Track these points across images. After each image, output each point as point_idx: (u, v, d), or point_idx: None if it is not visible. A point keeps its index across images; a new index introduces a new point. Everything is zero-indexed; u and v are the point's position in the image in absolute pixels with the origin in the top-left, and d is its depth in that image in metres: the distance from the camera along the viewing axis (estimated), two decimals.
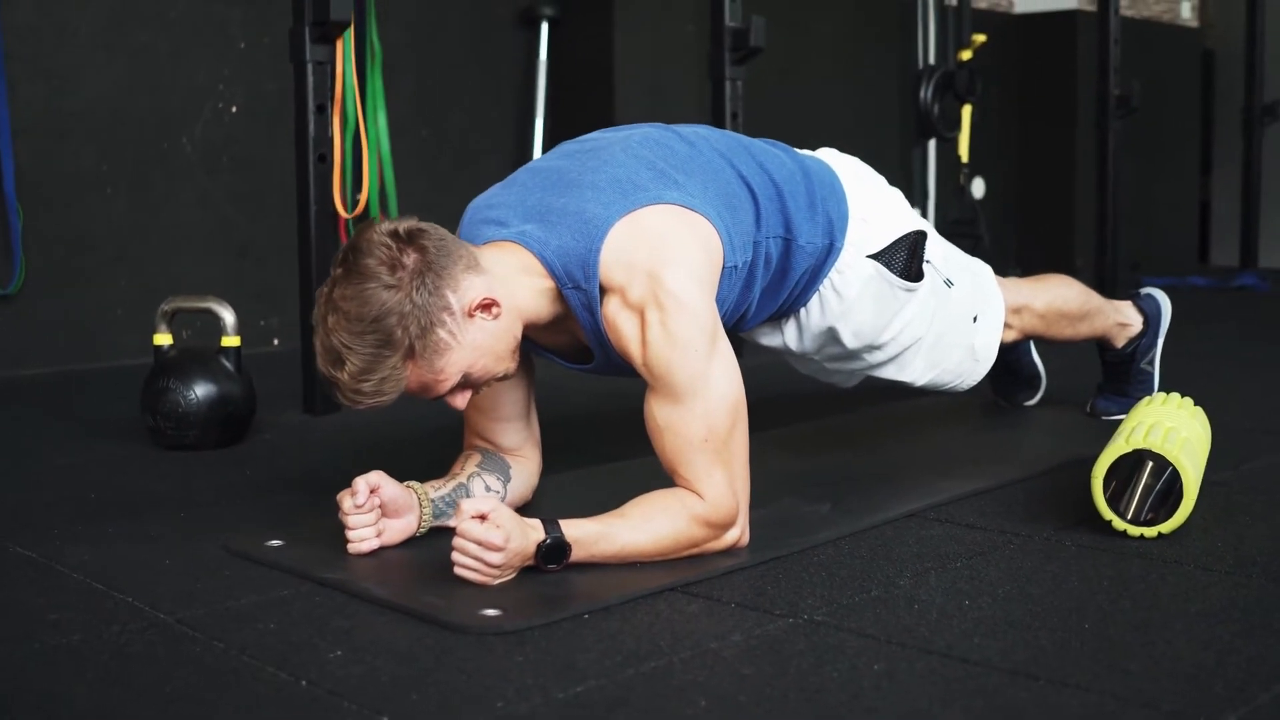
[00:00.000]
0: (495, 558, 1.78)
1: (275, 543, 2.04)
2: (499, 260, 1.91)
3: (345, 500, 1.96)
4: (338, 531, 2.04)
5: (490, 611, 1.70)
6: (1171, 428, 2.12)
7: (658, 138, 2.10)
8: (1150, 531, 2.02)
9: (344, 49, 4.32)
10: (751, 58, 3.95)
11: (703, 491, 1.91)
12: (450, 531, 2.04)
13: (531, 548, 1.81)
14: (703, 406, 1.90)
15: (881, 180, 2.40)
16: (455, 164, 4.86)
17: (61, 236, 3.93)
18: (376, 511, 1.97)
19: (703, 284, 1.94)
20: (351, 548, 1.96)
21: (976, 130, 5.27)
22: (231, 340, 2.80)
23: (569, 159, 2.07)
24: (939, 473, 2.49)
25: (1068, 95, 6.96)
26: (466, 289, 1.83)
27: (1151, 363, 2.92)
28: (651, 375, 1.90)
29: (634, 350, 1.91)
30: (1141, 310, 2.90)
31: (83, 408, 3.41)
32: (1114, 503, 2.04)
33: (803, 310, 2.31)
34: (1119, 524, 2.03)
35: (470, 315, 1.84)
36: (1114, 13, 5.20)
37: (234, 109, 4.22)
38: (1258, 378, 3.59)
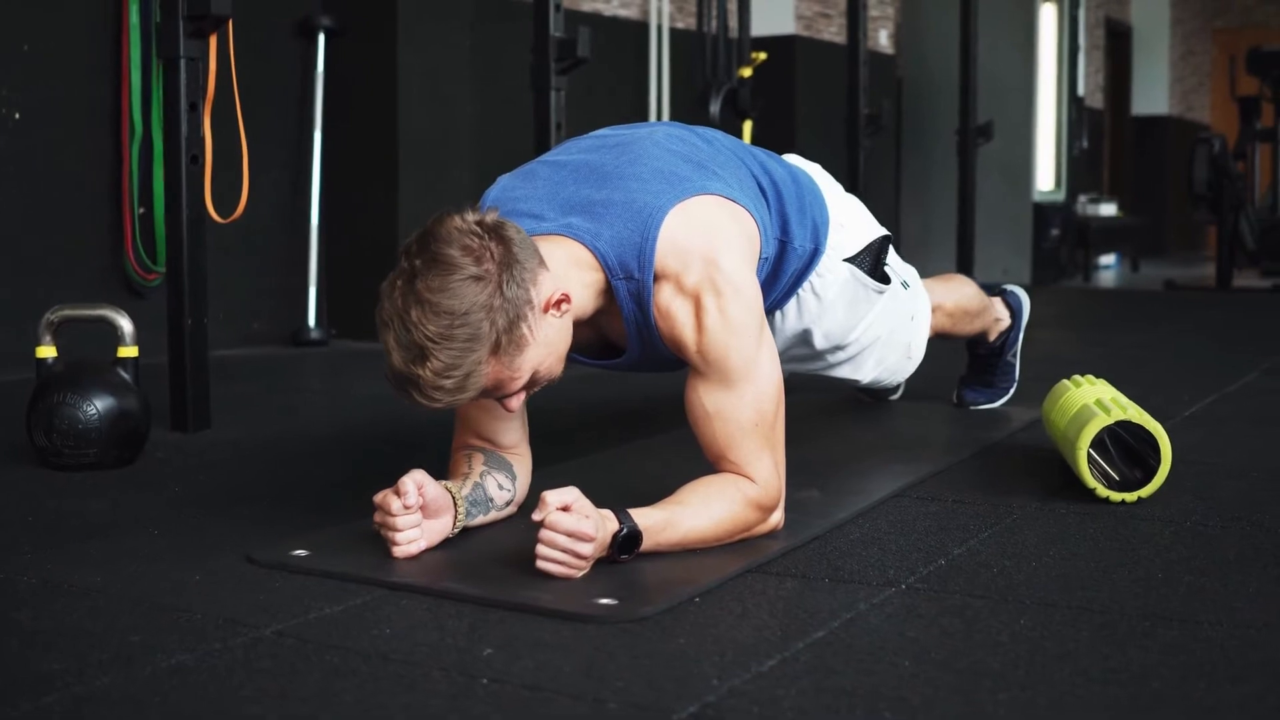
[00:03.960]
0: (586, 549, 1.76)
1: (300, 552, 1.93)
2: (550, 255, 1.88)
3: (393, 502, 1.87)
4: (359, 537, 1.98)
5: (606, 601, 1.68)
6: (1127, 402, 2.31)
7: (680, 134, 2.12)
8: (1130, 497, 2.19)
9: (130, 56, 4.11)
10: (576, 68, 3.98)
11: (753, 475, 1.94)
12: (476, 530, 2.02)
13: (608, 538, 1.80)
14: (753, 392, 1.93)
15: (840, 186, 2.50)
16: (235, 175, 4.64)
17: None
18: (420, 513, 1.90)
19: (752, 270, 1.98)
20: (398, 551, 1.88)
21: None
22: (129, 350, 2.61)
23: (595, 154, 2.05)
24: (885, 460, 2.60)
25: (786, 116, 7.29)
26: (543, 284, 1.80)
27: (1015, 355, 3.13)
28: (705, 361, 1.92)
29: (688, 336, 1.92)
30: (1008, 305, 3.11)
31: None
32: (1095, 471, 2.19)
33: (778, 314, 2.37)
34: (1102, 491, 2.19)
35: (545, 311, 1.80)
36: (863, 36, 5.52)
37: (17, 115, 3.91)
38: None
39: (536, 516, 1.76)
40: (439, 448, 2.86)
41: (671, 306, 1.92)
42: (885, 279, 2.42)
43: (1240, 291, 7.36)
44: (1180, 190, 12.60)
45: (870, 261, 2.39)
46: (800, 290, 2.34)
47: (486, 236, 1.74)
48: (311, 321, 4.74)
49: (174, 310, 2.94)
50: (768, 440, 1.95)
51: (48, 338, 2.60)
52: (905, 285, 2.52)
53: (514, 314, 1.74)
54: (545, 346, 1.81)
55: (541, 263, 1.81)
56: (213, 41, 2.92)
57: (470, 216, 1.76)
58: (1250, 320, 5.73)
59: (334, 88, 4.85)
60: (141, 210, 4.16)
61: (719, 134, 2.22)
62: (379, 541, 1.92)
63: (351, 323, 4.87)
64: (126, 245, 4.17)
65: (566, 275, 1.88)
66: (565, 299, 1.83)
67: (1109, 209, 10.21)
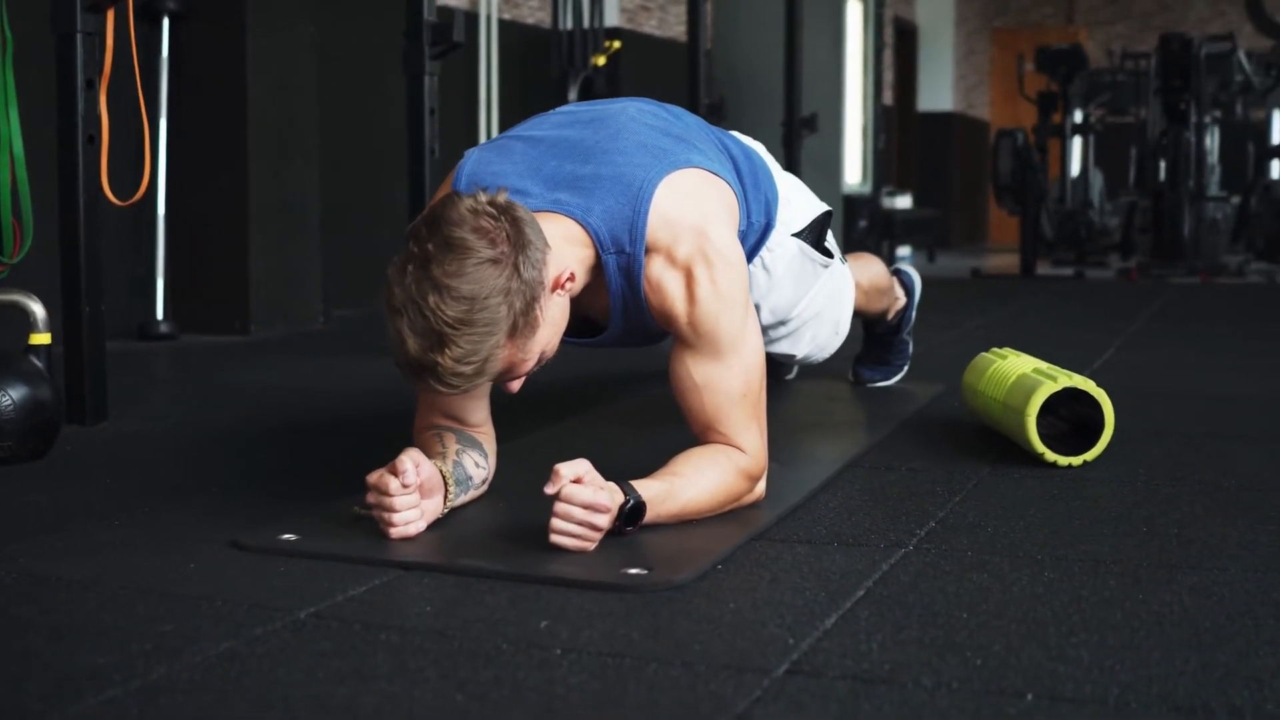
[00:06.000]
0: (602, 520, 1.75)
1: (289, 536, 1.86)
2: (546, 232, 1.85)
3: (391, 482, 1.82)
4: (339, 519, 1.95)
5: (636, 571, 1.68)
6: (1062, 369, 2.41)
7: (651, 109, 2.12)
8: (1076, 461, 2.29)
9: None
10: (450, 53, 3.93)
11: (743, 445, 1.96)
12: (460, 509, 1.98)
13: (615, 509, 1.79)
14: (741, 363, 1.95)
15: (779, 164, 2.54)
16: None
17: None
18: (418, 493, 1.86)
19: (738, 242, 2.00)
20: (396, 532, 1.83)
21: None
22: (42, 337, 2.47)
23: (571, 129, 2.04)
24: (820, 434, 2.67)
25: None
26: (551, 262, 1.78)
27: (909, 333, 3.23)
28: (695, 333, 1.93)
29: (679, 308, 1.92)
30: (903, 285, 3.21)
31: None
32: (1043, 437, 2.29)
33: None
34: (1050, 456, 2.28)
35: (552, 290, 1.79)
36: (703, 29, 5.59)
37: None
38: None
39: (550, 490, 1.74)
40: (344, 430, 2.83)
41: (663, 279, 1.92)
42: (829, 254, 2.47)
43: (1045, 279, 7.72)
44: (964, 183, 13.21)
45: (814, 237, 2.44)
46: (751, 265, 2.36)
47: (501, 218, 1.71)
48: (159, 314, 4.56)
49: (70, 297, 2.79)
50: (755, 410, 1.98)
51: None
52: (843, 260, 2.58)
53: (530, 296, 1.72)
54: (552, 326, 1.80)
55: (546, 241, 1.79)
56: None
57: (482, 197, 1.73)
58: (1072, 303, 6.01)
59: (179, 73, 4.67)
60: None
61: (682, 110, 2.24)
62: (363, 523, 1.88)
63: (195, 316, 4.69)
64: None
65: (562, 252, 1.87)
66: (572, 277, 1.82)
67: (905, 201, 10.57)
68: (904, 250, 10.77)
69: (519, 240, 1.72)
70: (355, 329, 4.91)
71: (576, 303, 2.01)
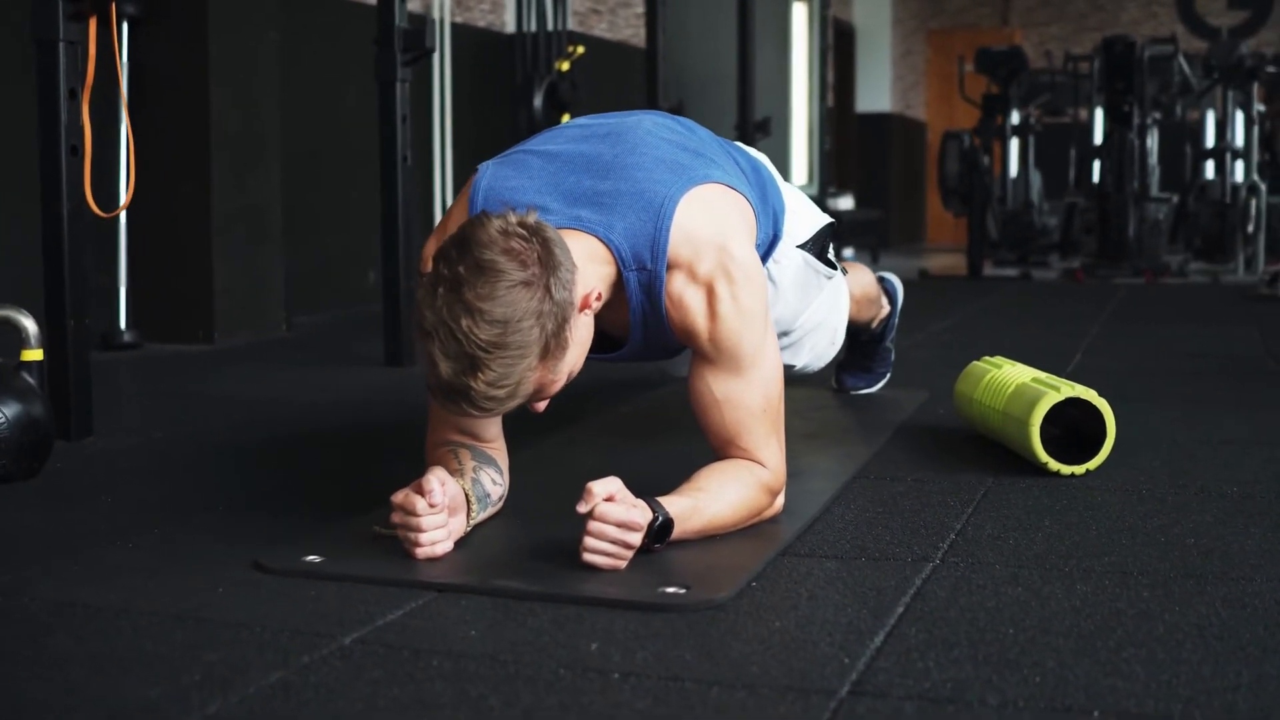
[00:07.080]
0: (636, 538, 1.76)
1: (313, 558, 1.85)
2: (570, 249, 1.85)
3: (418, 502, 1.81)
4: (360, 539, 1.93)
5: (674, 590, 1.68)
6: (1061, 379, 2.44)
7: (666, 123, 2.12)
8: (1079, 470, 2.32)
9: None
10: (422, 59, 3.91)
11: (764, 460, 1.97)
12: (480, 526, 1.97)
13: (646, 527, 1.80)
14: (761, 378, 1.96)
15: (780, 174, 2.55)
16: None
17: None
18: (445, 513, 1.85)
19: (757, 256, 2.00)
20: (423, 552, 1.82)
21: None
22: (34, 354, 2.43)
23: (587, 143, 2.03)
24: (817, 444, 2.67)
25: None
26: (580, 282, 1.78)
27: (892, 340, 3.25)
28: (716, 348, 1.93)
29: (700, 324, 1.93)
30: (886, 293, 3.23)
31: None
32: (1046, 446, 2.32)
33: None
34: (1053, 465, 2.31)
35: (580, 310, 1.78)
36: (662, 32, 5.61)
37: None
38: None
39: (583, 508, 1.74)
40: (332, 442, 2.81)
41: (684, 295, 1.93)
42: (832, 265, 2.49)
43: (993, 280, 7.80)
44: (902, 183, 13.31)
45: (818, 248, 2.45)
46: None
47: (531, 239, 1.71)
48: (122, 324, 4.49)
49: (54, 311, 2.75)
50: (775, 425, 1.99)
51: None
52: (844, 272, 2.60)
53: (561, 318, 1.71)
54: (580, 346, 1.80)
55: (574, 262, 1.79)
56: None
57: (512, 218, 1.72)
58: (1025, 304, 6.09)
59: (139, 78, 4.60)
60: None
61: (694, 123, 2.24)
62: (385, 542, 1.87)
63: (158, 325, 4.62)
64: None
65: (587, 271, 1.86)
66: (599, 297, 1.82)
67: (848, 202, 10.65)
68: (848, 252, 10.85)
69: (549, 262, 1.71)
70: (318, 336, 4.86)
71: (596, 319, 2.01)
